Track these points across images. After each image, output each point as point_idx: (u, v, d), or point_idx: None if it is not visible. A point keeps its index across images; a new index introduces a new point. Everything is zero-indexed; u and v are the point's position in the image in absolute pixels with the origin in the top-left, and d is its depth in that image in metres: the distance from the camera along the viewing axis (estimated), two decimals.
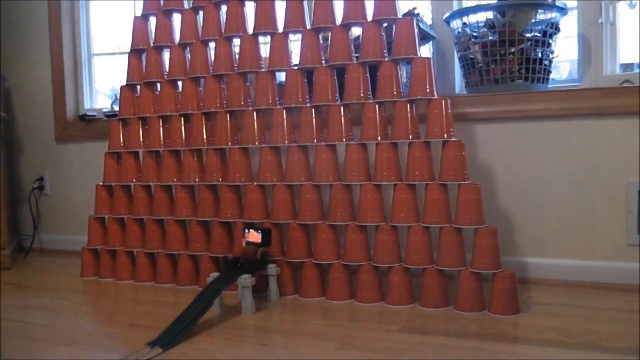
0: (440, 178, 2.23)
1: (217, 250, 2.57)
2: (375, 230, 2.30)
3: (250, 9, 2.66)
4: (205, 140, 2.66)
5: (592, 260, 2.42)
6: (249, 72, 2.59)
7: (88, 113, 3.55)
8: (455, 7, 2.78)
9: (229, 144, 2.59)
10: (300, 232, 2.42)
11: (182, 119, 2.72)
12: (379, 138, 2.32)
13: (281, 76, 2.68)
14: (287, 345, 1.83)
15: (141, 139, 2.84)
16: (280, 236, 2.49)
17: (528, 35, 2.48)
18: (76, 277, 2.90)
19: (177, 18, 2.81)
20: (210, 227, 2.64)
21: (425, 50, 2.81)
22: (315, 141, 2.43)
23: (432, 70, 2.28)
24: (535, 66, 2.48)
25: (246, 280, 2.18)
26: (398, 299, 2.24)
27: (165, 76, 2.79)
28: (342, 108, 2.39)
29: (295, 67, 2.49)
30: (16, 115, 3.79)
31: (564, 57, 2.68)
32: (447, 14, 2.62)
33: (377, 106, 2.33)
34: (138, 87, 2.88)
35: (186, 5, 2.75)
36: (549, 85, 2.58)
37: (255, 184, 2.52)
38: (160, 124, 2.78)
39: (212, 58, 2.67)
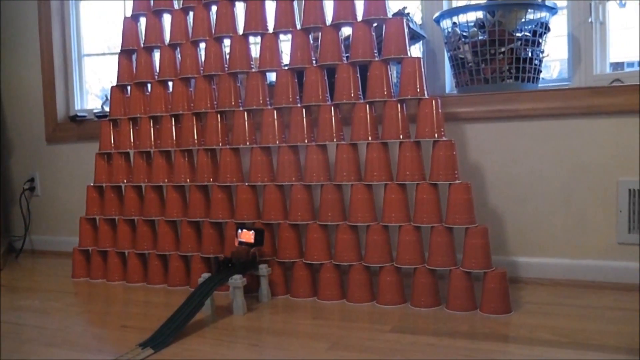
0: (431, 178, 2.23)
1: (208, 251, 2.56)
2: (366, 230, 2.30)
3: (240, 10, 2.66)
4: (195, 141, 2.65)
5: (583, 259, 2.43)
6: (239, 73, 2.58)
7: (78, 114, 3.54)
8: (445, 6, 2.78)
9: (220, 144, 2.59)
10: (291, 232, 2.42)
11: (173, 119, 2.71)
12: (370, 138, 2.32)
13: (271, 76, 2.68)
14: (279, 345, 1.83)
15: (132, 140, 2.83)
16: (271, 236, 2.49)
17: (518, 34, 2.48)
18: (67, 278, 2.90)
19: (167, 18, 2.81)
20: (201, 227, 2.63)
21: (416, 50, 2.82)
22: (305, 141, 2.43)
23: (423, 70, 2.28)
24: (525, 66, 2.49)
25: (237, 280, 2.18)
26: (389, 299, 2.24)
27: (156, 77, 2.78)
28: (332, 108, 2.38)
29: (286, 68, 2.49)
30: (6, 116, 3.78)
31: (554, 56, 2.69)
32: (437, 14, 2.62)
33: (367, 106, 2.33)
34: (128, 87, 2.87)
35: (176, 6, 2.75)
36: (539, 85, 2.59)
37: (246, 184, 2.52)
38: (151, 124, 2.77)
39: (203, 58, 2.67)
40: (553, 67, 2.81)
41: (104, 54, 3.72)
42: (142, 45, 2.82)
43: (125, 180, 2.84)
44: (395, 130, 2.28)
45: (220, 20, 2.59)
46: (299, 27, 2.48)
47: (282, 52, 2.57)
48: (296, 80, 2.49)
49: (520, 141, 2.51)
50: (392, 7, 2.49)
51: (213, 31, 2.63)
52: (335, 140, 2.38)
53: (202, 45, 2.68)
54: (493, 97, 2.51)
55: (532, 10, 2.46)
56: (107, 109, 3.30)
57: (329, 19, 2.42)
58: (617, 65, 2.62)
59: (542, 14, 2.49)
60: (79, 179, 3.47)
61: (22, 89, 3.72)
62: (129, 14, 2.86)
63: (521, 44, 2.47)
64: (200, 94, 2.63)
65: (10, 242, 3.76)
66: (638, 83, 2.33)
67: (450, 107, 2.55)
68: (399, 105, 2.29)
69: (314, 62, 2.46)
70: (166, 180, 2.72)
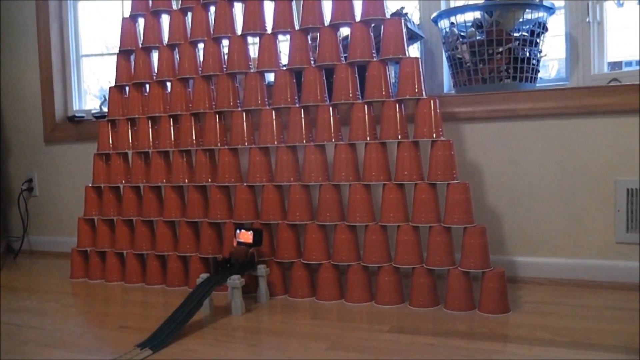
0: (429, 178, 2.23)
1: (207, 251, 2.56)
2: (364, 230, 2.30)
3: (238, 10, 2.66)
4: (194, 141, 2.65)
5: (581, 259, 2.43)
6: (238, 73, 2.58)
7: (77, 114, 3.54)
8: (443, 6, 2.78)
9: (218, 144, 2.59)
10: (289, 232, 2.42)
11: (171, 120, 2.71)
12: (368, 138, 2.32)
13: (269, 77, 2.68)
14: (277, 345, 1.83)
15: (130, 140, 2.83)
16: (269, 237, 2.49)
17: (516, 34, 2.48)
18: (65, 278, 2.90)
19: (165, 19, 2.81)
20: (200, 228, 2.63)
21: (413, 50, 2.82)
22: (304, 141, 2.43)
23: (421, 70, 2.28)
24: (523, 65, 2.49)
25: (236, 281, 2.18)
26: (388, 299, 2.24)
27: (154, 77, 2.78)
28: (330, 108, 2.38)
29: (284, 68, 2.49)
30: (4, 117, 3.78)
31: (552, 56, 2.70)
32: (434, 14, 2.62)
33: (365, 106, 2.33)
34: (127, 88, 2.87)
35: (175, 6, 2.75)
36: (537, 85, 2.59)
37: (245, 184, 2.52)
38: (149, 125, 2.77)
39: (201, 59, 2.67)
40: (551, 67, 2.81)
41: (102, 55, 3.72)
42: (140, 45, 2.82)
43: (123, 181, 2.84)
44: (394, 130, 2.28)
45: (219, 21, 2.59)
46: (297, 27, 2.48)
47: (280, 52, 2.57)
48: (294, 81, 2.49)
49: (518, 141, 2.51)
50: (390, 7, 2.50)
51: (211, 32, 2.63)
52: (333, 140, 2.38)
53: (201, 45, 2.69)
54: (491, 97, 2.51)
55: (530, 10, 2.47)
56: (105, 109, 3.30)
57: (327, 19, 2.42)
58: (615, 65, 2.62)
59: (539, 14, 2.49)
60: (77, 180, 3.47)
61: (21, 89, 3.71)
62: (127, 14, 2.86)
63: (519, 44, 2.48)
64: (199, 94, 2.63)
65: (9, 242, 3.76)
66: (635, 83, 2.33)
67: (448, 107, 2.55)
68: (397, 106, 2.29)
69: (312, 62, 2.46)
70: (164, 180, 2.72)
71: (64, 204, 3.60)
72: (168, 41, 2.73)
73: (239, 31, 2.59)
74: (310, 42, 2.48)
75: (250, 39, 2.61)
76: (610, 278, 2.38)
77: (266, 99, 2.53)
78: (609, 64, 2.61)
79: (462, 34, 2.56)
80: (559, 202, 2.46)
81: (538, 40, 2.51)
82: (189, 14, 2.71)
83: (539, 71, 2.57)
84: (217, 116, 2.60)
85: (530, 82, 2.53)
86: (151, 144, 2.77)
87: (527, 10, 2.46)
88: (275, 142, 2.48)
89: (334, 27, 2.40)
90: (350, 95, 2.36)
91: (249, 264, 2.31)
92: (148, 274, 2.70)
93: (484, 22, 2.50)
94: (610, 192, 2.39)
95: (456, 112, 2.56)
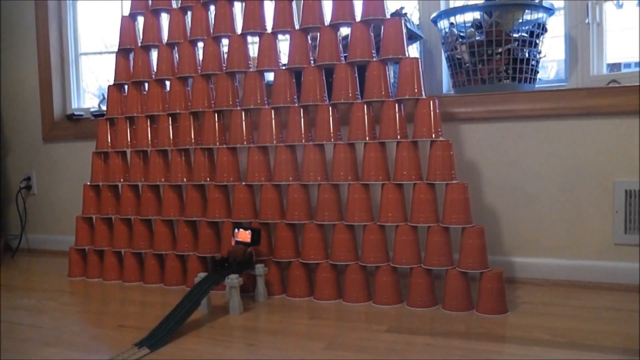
0: (428, 178, 2.23)
1: (205, 250, 2.56)
2: (363, 229, 2.30)
3: (239, 9, 2.66)
4: (193, 140, 2.65)
5: (580, 260, 2.43)
6: (237, 72, 2.58)
7: (75, 112, 3.54)
8: (443, 7, 2.78)
9: (217, 143, 2.59)
10: (288, 231, 2.42)
11: (170, 118, 2.71)
12: (367, 138, 2.32)
13: (268, 76, 2.67)
14: (275, 345, 1.83)
15: (129, 139, 2.83)
16: (268, 236, 2.49)
17: (515, 35, 2.48)
18: (63, 277, 2.90)
19: (164, 18, 2.81)
20: (198, 227, 2.63)
21: (413, 50, 2.82)
22: (303, 141, 2.43)
23: (420, 70, 2.28)
24: (522, 66, 2.49)
25: (234, 280, 2.18)
26: (386, 299, 2.24)
27: (153, 76, 2.78)
28: (330, 108, 2.38)
29: (284, 67, 2.49)
30: (3, 115, 3.77)
31: (551, 57, 2.70)
32: (434, 14, 2.62)
33: (365, 106, 2.33)
34: (126, 86, 2.87)
35: (174, 5, 2.75)
36: (536, 86, 2.59)
37: (243, 183, 2.52)
38: (148, 123, 2.77)
39: (200, 58, 2.67)
40: (550, 68, 2.81)
41: (101, 53, 3.72)
42: (139, 44, 2.82)
43: (122, 180, 2.83)
44: (393, 130, 2.28)
45: (219, 20, 2.59)
46: (297, 27, 2.48)
47: (280, 52, 2.56)
48: (294, 81, 2.49)
49: (517, 142, 2.51)
50: (390, 7, 2.50)
51: (211, 31, 2.63)
52: (332, 140, 2.38)
53: (200, 44, 2.69)
54: (490, 97, 2.51)
55: (529, 11, 2.47)
56: (104, 107, 3.29)
57: (327, 19, 2.42)
58: (614, 66, 2.62)
59: (539, 15, 2.49)
60: (75, 178, 3.47)
61: (19, 87, 3.71)
62: (126, 12, 2.86)
63: (518, 45, 2.47)
64: (198, 93, 2.62)
65: (7, 240, 3.75)
66: (634, 84, 2.34)
67: (447, 107, 2.55)
68: (396, 105, 2.29)
69: (312, 62, 2.46)
70: (163, 179, 2.72)
71: (62, 203, 3.60)
72: (167, 40, 2.73)
73: (238, 30, 2.59)
74: (310, 41, 2.48)
75: (249, 39, 2.61)
76: (609, 279, 2.38)
77: (265, 99, 2.53)
78: (608, 65, 2.61)
79: (461, 34, 2.56)
80: (557, 203, 2.46)
81: (537, 41, 2.51)
82: (189, 13, 2.70)
83: (538, 72, 2.57)
84: (215, 115, 2.60)
85: (530, 83, 2.53)
86: (150, 142, 2.76)
87: (526, 11, 2.46)
88: (274, 142, 2.47)
89: (334, 27, 2.40)
90: (350, 95, 2.36)
91: (247, 263, 2.31)
92: (146, 272, 2.70)
93: (484, 22, 2.50)
94: (608, 194, 2.39)
95: (455, 113, 2.56)
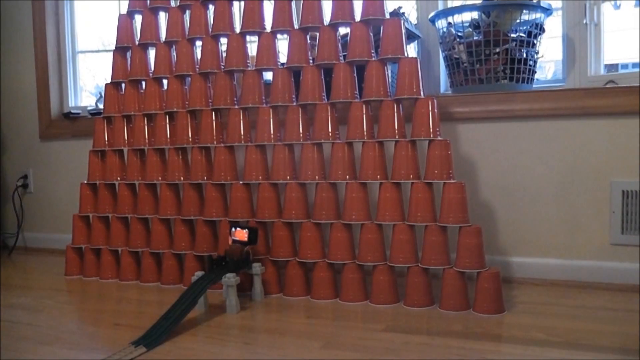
0: (426, 177, 2.23)
1: (202, 249, 2.56)
2: (360, 229, 2.30)
3: (237, 9, 2.66)
4: (190, 139, 2.65)
5: (577, 260, 2.44)
6: (236, 71, 2.58)
7: (72, 111, 3.53)
8: (441, 6, 2.78)
9: (214, 142, 2.59)
10: (285, 230, 2.42)
11: (167, 117, 2.71)
12: (366, 137, 2.32)
13: (267, 76, 2.67)
14: (272, 344, 1.83)
15: (126, 137, 2.83)
16: (265, 235, 2.48)
17: (513, 35, 2.49)
18: (60, 275, 2.89)
19: (162, 16, 2.81)
20: (195, 225, 2.63)
21: (410, 50, 2.82)
22: (301, 140, 2.43)
23: (419, 70, 2.28)
24: (519, 66, 2.49)
25: (231, 279, 2.18)
26: (383, 298, 2.24)
27: (150, 74, 2.78)
28: (328, 107, 2.38)
29: (283, 66, 2.49)
30: (0, 113, 3.76)
31: (549, 57, 2.70)
32: (432, 14, 2.62)
33: (363, 105, 2.33)
34: (123, 85, 2.87)
35: (173, 4, 2.75)
36: (534, 86, 2.59)
37: (241, 182, 2.51)
38: (145, 122, 2.77)
39: (198, 57, 2.66)
40: (547, 68, 2.81)
41: (98, 51, 3.72)
42: (137, 42, 2.81)
43: (119, 178, 2.83)
44: (392, 130, 2.28)
45: (218, 19, 2.59)
46: (296, 26, 2.48)
47: (279, 52, 2.56)
48: (292, 80, 2.49)
49: (515, 142, 2.51)
50: (388, 7, 2.50)
51: (210, 29, 2.62)
52: (331, 139, 2.38)
53: (198, 43, 2.68)
54: (487, 97, 2.51)
55: (527, 11, 2.47)
56: (101, 106, 3.29)
57: (326, 18, 2.42)
58: (612, 67, 2.63)
59: (537, 15, 2.49)
60: (72, 176, 3.46)
61: (16, 85, 3.71)
62: (124, 10, 2.85)
63: (516, 45, 2.48)
64: (196, 91, 2.62)
65: (3, 239, 3.75)
66: (632, 85, 2.34)
67: (444, 107, 2.55)
68: (395, 105, 2.29)
69: (311, 61, 2.46)
70: (160, 178, 2.71)
71: (59, 201, 3.59)
72: (166, 38, 2.72)
73: (237, 29, 2.59)
74: (309, 40, 2.48)
75: (248, 38, 2.61)
76: (605, 279, 2.38)
77: (263, 97, 2.53)
78: (606, 66, 2.61)
79: (459, 34, 2.56)
80: (554, 203, 2.46)
81: (535, 41, 2.52)
82: (187, 12, 2.70)
83: (535, 72, 2.57)
84: (213, 114, 2.60)
85: (527, 83, 2.53)
86: (147, 141, 2.76)
87: (524, 11, 2.46)
88: (272, 141, 2.47)
89: (334, 26, 2.40)
90: (349, 94, 2.36)
91: (244, 262, 2.31)
92: (143, 271, 2.70)
93: (482, 22, 2.50)
94: (606, 194, 2.39)
95: (453, 112, 2.56)
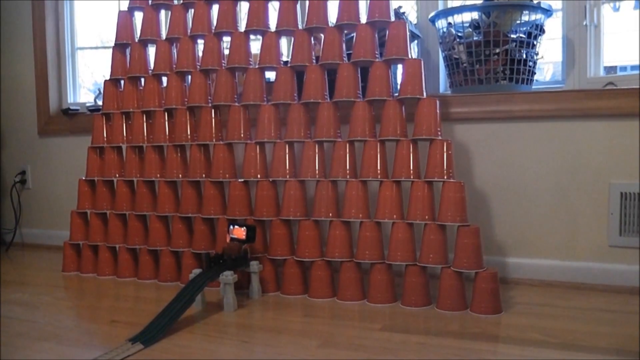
0: (427, 176, 2.24)
1: (200, 247, 2.56)
2: (359, 227, 2.30)
3: (240, 8, 2.67)
4: (189, 136, 2.65)
5: (574, 261, 2.44)
6: (238, 68, 2.57)
7: (71, 107, 3.53)
8: (441, 6, 2.78)
9: (213, 140, 2.58)
10: (283, 229, 2.42)
11: (166, 114, 2.71)
12: (368, 136, 2.32)
13: (267, 74, 2.67)
14: (269, 342, 1.83)
15: (124, 134, 2.82)
16: (263, 233, 2.48)
17: (513, 36, 2.49)
18: (57, 272, 2.89)
19: (162, 13, 2.81)
20: (193, 223, 2.63)
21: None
22: (302, 137, 2.43)
23: (422, 71, 2.29)
24: (519, 67, 2.49)
25: (228, 277, 2.17)
26: (380, 298, 2.24)
27: (150, 71, 2.78)
28: (331, 105, 2.38)
29: (287, 65, 2.49)
30: None
31: (548, 58, 2.70)
32: (432, 14, 2.62)
33: (366, 104, 2.33)
34: (122, 81, 2.86)
35: (176, 2, 2.75)
36: (533, 87, 2.59)
37: (239, 180, 2.51)
38: (144, 119, 2.76)
39: (200, 54, 2.66)
40: (546, 70, 2.81)
41: (96, 48, 3.71)
42: (136, 39, 2.81)
43: (117, 175, 2.83)
44: (394, 129, 2.28)
45: (222, 17, 2.59)
46: (300, 26, 2.49)
47: (282, 54, 2.57)
48: (295, 79, 2.49)
49: (514, 142, 2.51)
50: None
51: (213, 28, 2.62)
52: (332, 137, 2.38)
53: (200, 41, 2.68)
54: (487, 97, 2.51)
55: (527, 12, 2.47)
56: (100, 102, 3.29)
57: (331, 18, 2.43)
58: (611, 69, 2.63)
59: (537, 16, 2.49)
60: (70, 173, 3.46)
61: (15, 81, 3.70)
62: (123, 7, 2.85)
63: (516, 46, 2.48)
64: (196, 88, 2.61)
65: (1, 235, 3.75)
66: (632, 87, 2.34)
67: (444, 107, 2.55)
68: (398, 105, 2.29)
69: (314, 61, 2.46)
70: (158, 175, 2.71)
71: (57, 197, 3.59)
72: (168, 34, 2.72)
73: (241, 28, 2.59)
74: (312, 41, 2.49)
75: (252, 37, 2.62)
76: (603, 281, 2.39)
77: (265, 95, 2.53)
78: (605, 67, 2.61)
79: (459, 34, 2.56)
80: (553, 204, 2.47)
81: (535, 42, 2.52)
82: (190, 11, 2.70)
83: (535, 73, 2.57)
84: (212, 111, 2.59)
85: (527, 84, 2.53)
86: (145, 138, 2.76)
87: (524, 12, 2.46)
88: (273, 138, 2.47)
89: (339, 27, 2.41)
90: (352, 93, 2.36)
91: (241, 260, 2.31)
92: (140, 268, 2.70)
93: (482, 23, 2.50)
94: (604, 195, 2.39)
95: (452, 112, 2.56)
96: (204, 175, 2.60)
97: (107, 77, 2.89)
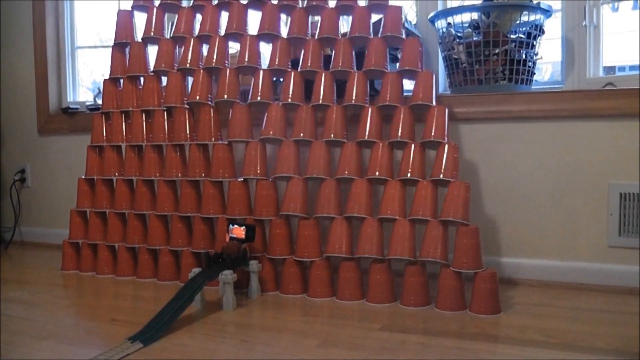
0: (433, 176, 2.27)
1: (199, 246, 2.56)
2: (360, 224, 2.31)
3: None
4: (188, 136, 2.65)
5: (574, 262, 2.44)
6: (246, 68, 2.58)
7: (71, 106, 3.53)
8: (440, 7, 2.78)
9: (212, 139, 2.59)
10: (282, 228, 2.42)
11: (165, 113, 2.71)
12: (375, 138, 2.39)
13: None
14: (268, 341, 1.83)
15: (124, 133, 2.82)
16: (262, 233, 2.48)
17: (512, 36, 2.49)
18: (57, 270, 2.89)
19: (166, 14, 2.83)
20: (192, 222, 2.63)
21: None
22: (312, 138, 2.46)
23: (434, 83, 2.39)
24: (519, 67, 2.49)
25: (228, 276, 2.18)
26: (379, 297, 2.24)
27: (149, 70, 2.78)
28: (340, 109, 2.44)
29: (297, 70, 2.53)
30: None
31: (546, 58, 2.69)
32: (431, 14, 2.62)
33: (376, 109, 2.41)
34: (121, 80, 2.86)
35: (184, 3, 2.77)
36: (532, 87, 2.59)
37: (239, 179, 2.51)
38: (143, 118, 2.76)
39: (205, 53, 2.68)
40: (544, 70, 2.81)
41: (95, 47, 3.71)
42: (135, 38, 2.82)
43: (116, 174, 2.83)
44: (403, 132, 2.36)
45: (232, 20, 2.62)
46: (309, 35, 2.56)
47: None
48: (304, 83, 2.54)
49: (513, 142, 2.51)
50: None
51: (222, 30, 2.66)
52: (340, 138, 2.43)
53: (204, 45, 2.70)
54: (486, 98, 2.51)
55: (527, 13, 2.47)
56: (99, 101, 3.29)
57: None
58: (610, 69, 2.63)
59: (536, 16, 2.49)
60: (70, 171, 3.46)
61: (15, 80, 3.70)
62: (123, 7, 2.85)
63: (515, 46, 2.48)
64: (197, 86, 2.61)
65: (0, 233, 3.74)
66: (631, 87, 2.34)
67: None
68: (407, 110, 2.38)
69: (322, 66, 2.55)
70: (158, 174, 2.71)
71: (56, 196, 3.59)
72: (174, 33, 2.73)
73: (249, 32, 2.64)
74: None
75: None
76: (602, 281, 2.39)
77: (272, 95, 2.55)
78: (605, 68, 2.61)
79: (458, 34, 2.56)
80: (552, 204, 2.47)
81: (534, 43, 2.52)
82: (199, 14, 2.73)
83: (534, 73, 2.57)
84: (212, 110, 2.59)
85: (526, 84, 2.53)
86: (145, 137, 2.76)
87: (524, 12, 2.46)
88: (280, 136, 2.48)
89: (352, 40, 2.50)
90: (361, 99, 2.44)
91: (241, 260, 2.31)
92: (139, 267, 2.70)
93: (481, 23, 2.50)
94: (603, 196, 2.39)
95: (451, 113, 2.56)
96: (203, 175, 2.60)
97: (107, 76, 2.89)
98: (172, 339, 1.86)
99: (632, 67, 2.58)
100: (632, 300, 2.23)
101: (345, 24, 2.70)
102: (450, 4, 2.81)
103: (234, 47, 2.73)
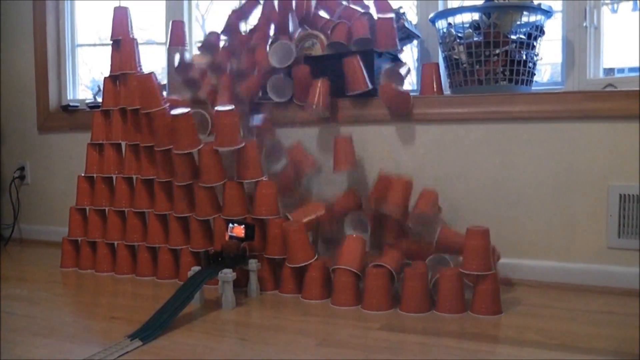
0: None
1: (198, 245, 2.55)
2: None
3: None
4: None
5: (573, 263, 2.44)
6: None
7: (71, 103, 3.53)
8: (441, 7, 2.78)
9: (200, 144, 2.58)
10: (282, 228, 2.41)
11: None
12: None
13: None
14: (267, 340, 1.83)
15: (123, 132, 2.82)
16: (261, 232, 2.48)
17: (513, 37, 2.49)
18: (56, 268, 2.89)
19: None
20: (189, 222, 2.62)
21: (409, 50, 2.82)
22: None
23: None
24: (519, 68, 2.49)
25: (227, 275, 2.17)
26: (376, 304, 2.16)
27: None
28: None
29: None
30: None
31: (546, 59, 2.69)
32: (432, 14, 2.62)
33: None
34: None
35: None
36: (532, 88, 2.59)
37: (236, 180, 2.51)
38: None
39: None
40: (544, 71, 2.82)
41: (94, 45, 3.71)
42: (131, 35, 2.82)
43: (116, 172, 2.83)
44: None
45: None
46: None
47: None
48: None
49: (513, 143, 2.51)
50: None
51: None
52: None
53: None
54: (487, 98, 2.51)
55: (528, 13, 2.47)
56: (99, 99, 3.29)
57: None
58: (610, 71, 2.63)
59: (537, 17, 2.49)
60: (69, 169, 3.46)
61: (15, 77, 3.70)
62: (121, 3, 2.85)
63: (516, 47, 2.48)
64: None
65: None
66: (632, 88, 2.34)
67: (443, 107, 2.55)
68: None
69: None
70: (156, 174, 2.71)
71: (55, 193, 3.59)
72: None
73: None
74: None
75: None
76: (601, 282, 2.38)
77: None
78: (605, 69, 2.62)
79: (459, 34, 2.56)
80: (552, 205, 2.47)
81: (535, 43, 2.52)
82: None
83: (535, 74, 2.57)
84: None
85: (526, 85, 2.53)
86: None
87: (524, 13, 2.46)
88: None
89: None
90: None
91: (240, 259, 2.31)
92: (139, 265, 2.69)
93: (482, 23, 2.50)
94: (603, 197, 2.39)
95: (451, 113, 2.56)
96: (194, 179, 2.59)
97: (105, 74, 2.89)
98: (171, 337, 1.86)
99: (631, 69, 2.58)
100: (632, 302, 2.22)
101: None
102: (450, 5, 2.81)
103: None
